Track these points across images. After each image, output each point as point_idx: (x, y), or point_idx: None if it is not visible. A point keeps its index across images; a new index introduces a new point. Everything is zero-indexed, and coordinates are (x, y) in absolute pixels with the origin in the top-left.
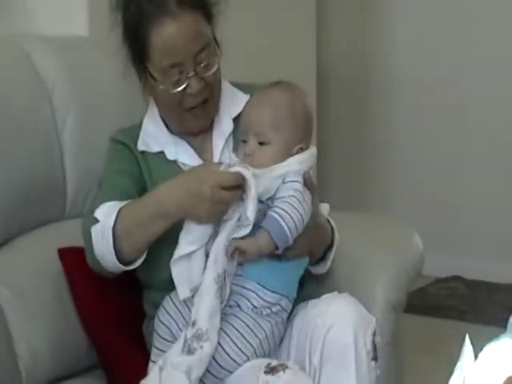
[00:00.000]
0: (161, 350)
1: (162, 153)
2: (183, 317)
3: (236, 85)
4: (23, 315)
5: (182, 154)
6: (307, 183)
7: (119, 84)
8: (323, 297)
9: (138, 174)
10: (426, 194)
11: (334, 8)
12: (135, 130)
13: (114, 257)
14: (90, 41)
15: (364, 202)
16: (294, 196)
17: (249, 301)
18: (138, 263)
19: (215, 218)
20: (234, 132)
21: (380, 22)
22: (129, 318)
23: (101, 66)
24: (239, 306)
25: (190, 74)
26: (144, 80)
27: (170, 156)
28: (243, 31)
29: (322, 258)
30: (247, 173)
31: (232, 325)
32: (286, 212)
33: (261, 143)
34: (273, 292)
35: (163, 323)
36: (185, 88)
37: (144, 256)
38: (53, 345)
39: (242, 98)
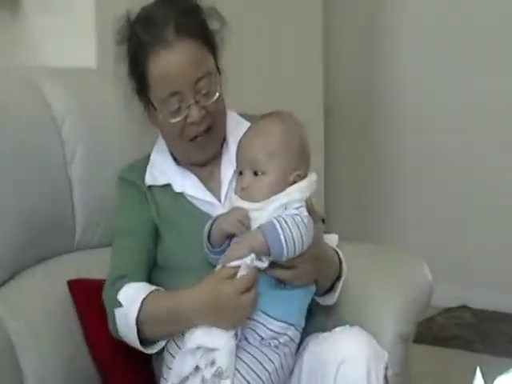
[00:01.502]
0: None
1: (169, 185)
2: None
3: (244, 116)
4: (33, 349)
5: (189, 185)
6: (309, 210)
7: (128, 118)
8: (335, 330)
9: (147, 213)
10: (434, 224)
11: (341, 37)
12: (143, 164)
13: (138, 343)
14: (98, 73)
15: (372, 231)
16: (297, 215)
17: (256, 332)
18: (158, 348)
19: (243, 321)
20: None
21: (388, 50)
22: (139, 351)
23: (110, 100)
24: (246, 339)
25: (190, 103)
26: (148, 110)
27: (177, 188)
28: (249, 59)
29: (330, 289)
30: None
31: (241, 359)
32: (286, 222)
33: (256, 174)
34: (279, 321)
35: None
36: (186, 117)
37: (165, 342)
38: (62, 379)
39: (246, 127)
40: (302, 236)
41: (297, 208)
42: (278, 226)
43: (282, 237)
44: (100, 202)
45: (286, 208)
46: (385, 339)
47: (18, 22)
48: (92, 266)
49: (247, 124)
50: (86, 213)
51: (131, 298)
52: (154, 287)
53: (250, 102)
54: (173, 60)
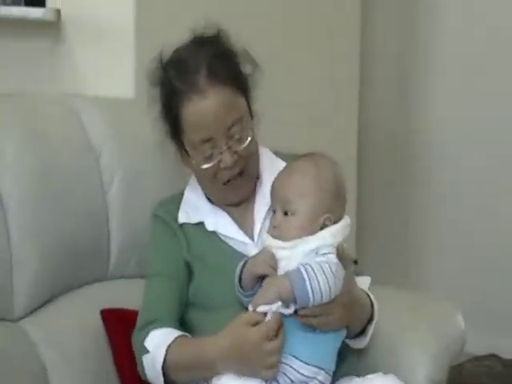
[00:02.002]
0: None
1: (202, 223)
2: None
3: (278, 154)
4: (66, 376)
5: (222, 224)
6: (341, 256)
7: (165, 147)
8: (368, 377)
9: (179, 253)
10: (466, 270)
11: (376, 74)
12: (177, 201)
13: None
14: (136, 103)
15: (404, 276)
16: (326, 263)
17: (285, 375)
18: None
19: (275, 369)
20: None
21: (421, 87)
22: None
23: (147, 129)
24: (277, 381)
25: (223, 149)
26: (180, 153)
27: (210, 227)
28: (284, 97)
29: (362, 333)
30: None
31: None
32: (314, 271)
33: (286, 213)
34: (308, 364)
35: None
36: (219, 162)
37: None
38: None
39: (282, 166)
40: (329, 284)
41: (326, 254)
42: (304, 274)
43: (308, 285)
44: (135, 232)
45: (316, 253)
46: None
47: (59, 49)
48: (125, 295)
49: (281, 162)
50: (121, 242)
51: (157, 345)
52: (180, 333)
53: (283, 141)
54: (205, 107)
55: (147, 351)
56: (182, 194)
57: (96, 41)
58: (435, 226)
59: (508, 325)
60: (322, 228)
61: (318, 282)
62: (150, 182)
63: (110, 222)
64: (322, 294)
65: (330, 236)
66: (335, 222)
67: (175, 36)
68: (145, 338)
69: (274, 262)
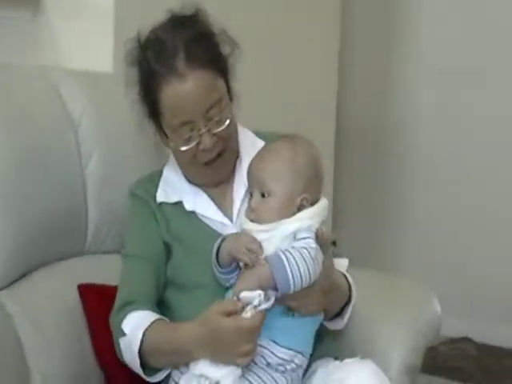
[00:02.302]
0: None
1: (180, 203)
2: None
3: (258, 133)
4: (41, 348)
5: (200, 204)
6: (320, 240)
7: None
8: (345, 361)
9: (157, 234)
10: (440, 255)
11: (357, 61)
12: (155, 180)
13: (141, 372)
14: (114, 77)
15: (379, 256)
16: (305, 248)
17: (263, 357)
18: (162, 377)
19: (250, 356)
20: None
21: (404, 77)
22: None
23: (125, 104)
24: (254, 362)
25: (202, 131)
26: (160, 135)
27: (188, 207)
28: (264, 78)
29: (339, 314)
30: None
31: (249, 380)
32: (294, 258)
33: (263, 195)
34: (286, 348)
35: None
36: (197, 144)
37: (169, 370)
38: (69, 379)
39: (260, 146)
40: (309, 270)
41: (304, 238)
42: (285, 261)
43: (288, 273)
44: (113, 207)
45: (295, 237)
46: (391, 369)
47: (39, 22)
48: (102, 270)
49: (261, 142)
50: (98, 216)
51: (134, 328)
52: (157, 316)
53: (262, 123)
54: (184, 91)
55: (124, 334)
56: (160, 172)
57: (75, 13)
58: (411, 211)
59: (482, 308)
60: (299, 209)
61: (299, 268)
62: (129, 157)
63: (88, 197)
64: (302, 279)
65: (308, 218)
66: (312, 203)
67: (155, 10)
68: (122, 320)
69: (257, 248)
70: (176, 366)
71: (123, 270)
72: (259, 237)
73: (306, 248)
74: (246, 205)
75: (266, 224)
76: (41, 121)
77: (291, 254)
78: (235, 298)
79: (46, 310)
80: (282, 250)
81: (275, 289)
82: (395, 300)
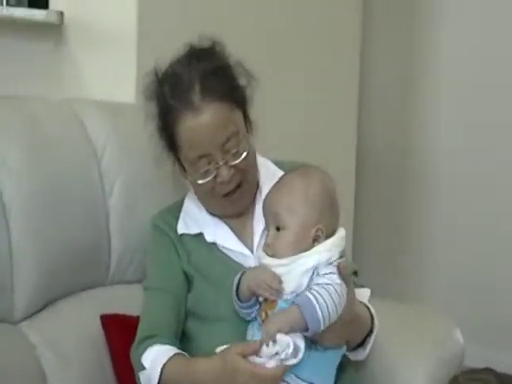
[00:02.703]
0: None
1: (201, 234)
2: None
3: (278, 162)
4: (64, 379)
5: (221, 236)
6: (342, 273)
7: (161, 162)
8: None
9: (178, 266)
10: (462, 284)
11: (376, 94)
12: (176, 210)
13: None
14: (137, 108)
15: (399, 287)
16: (330, 285)
17: None
18: None
19: None
20: None
21: (419, 98)
22: None
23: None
24: None
25: (219, 164)
26: (178, 167)
27: (209, 238)
28: (282, 109)
29: (361, 345)
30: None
31: None
32: (322, 297)
33: (278, 229)
34: (308, 382)
35: None
36: (215, 177)
37: None
38: None
39: (280, 175)
40: (336, 307)
41: (328, 274)
42: (314, 301)
43: (319, 313)
44: (135, 237)
45: (318, 273)
46: None
47: (61, 53)
48: (125, 300)
49: (281, 173)
50: (121, 246)
51: (153, 362)
52: (176, 351)
53: (281, 153)
54: (200, 124)
55: (144, 368)
56: (181, 203)
57: (98, 44)
58: (433, 240)
59: (504, 338)
60: (314, 240)
61: (327, 307)
62: (151, 188)
63: (111, 227)
64: (330, 317)
65: (326, 251)
66: (329, 234)
67: (177, 42)
68: (142, 354)
69: (277, 285)
70: None
71: (145, 302)
72: (278, 271)
73: (331, 284)
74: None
75: (284, 258)
76: (65, 152)
77: (318, 292)
78: (267, 340)
79: (69, 340)
80: (308, 290)
81: (305, 329)
82: (417, 331)
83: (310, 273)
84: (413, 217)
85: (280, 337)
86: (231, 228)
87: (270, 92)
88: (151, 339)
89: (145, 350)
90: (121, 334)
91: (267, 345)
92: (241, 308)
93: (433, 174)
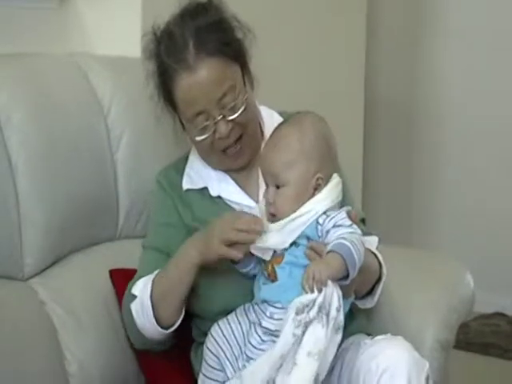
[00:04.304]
0: (208, 378)
1: (206, 189)
2: (231, 346)
3: (285, 114)
4: (75, 334)
5: (226, 189)
6: (353, 221)
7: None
8: (377, 338)
9: (177, 226)
10: (474, 231)
11: (384, 45)
12: (181, 166)
13: (155, 323)
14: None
15: (409, 234)
16: (354, 233)
17: None
18: (177, 325)
19: (227, 249)
20: None
21: (432, 55)
22: (177, 341)
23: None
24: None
25: (217, 119)
26: (178, 124)
27: (214, 192)
28: (288, 61)
29: (370, 293)
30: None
31: None
32: (356, 246)
33: (278, 187)
34: None
35: (211, 351)
36: (213, 132)
37: (181, 317)
38: (103, 365)
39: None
40: (361, 255)
41: (350, 226)
42: (353, 250)
43: (357, 261)
44: (143, 192)
45: (334, 220)
46: (424, 345)
47: (65, 11)
48: (133, 255)
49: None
50: (129, 201)
51: (143, 286)
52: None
53: (286, 104)
54: (195, 82)
55: (134, 297)
56: (187, 157)
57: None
58: (442, 187)
59: None
60: (315, 189)
61: (360, 253)
62: (158, 142)
63: (118, 181)
64: (361, 263)
65: (317, 203)
66: (329, 178)
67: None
68: (131, 288)
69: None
70: (183, 303)
71: (140, 260)
72: (305, 219)
73: (354, 233)
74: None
75: (286, 217)
76: (70, 107)
77: (352, 241)
78: (318, 285)
79: (79, 295)
80: (341, 238)
81: (344, 278)
82: (427, 276)
83: (306, 224)
84: (421, 165)
85: (329, 283)
86: (236, 181)
87: (275, 45)
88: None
89: (133, 284)
90: None
91: (312, 290)
92: (237, 268)
93: (441, 121)
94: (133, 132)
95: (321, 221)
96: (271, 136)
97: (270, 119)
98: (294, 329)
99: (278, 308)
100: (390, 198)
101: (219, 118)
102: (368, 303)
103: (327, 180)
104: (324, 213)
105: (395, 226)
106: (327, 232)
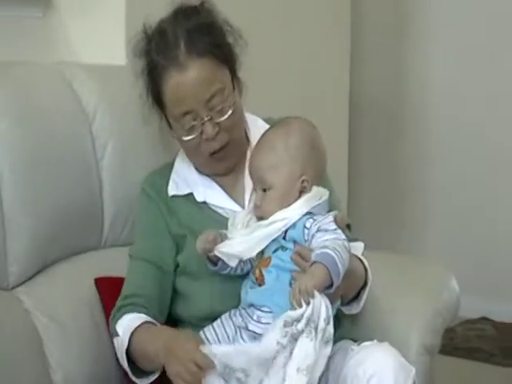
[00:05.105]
0: None
1: (191, 194)
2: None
3: (269, 120)
4: (60, 343)
5: (211, 194)
6: (339, 226)
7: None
8: (363, 345)
9: (164, 233)
10: (459, 236)
11: (369, 40)
12: (167, 172)
13: (130, 373)
14: (127, 70)
15: (394, 240)
16: (339, 240)
17: None
18: (150, 380)
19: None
20: None
21: (416, 55)
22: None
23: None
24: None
25: (204, 120)
26: (165, 125)
27: (199, 198)
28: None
29: (355, 298)
30: None
31: None
32: (340, 254)
33: (264, 190)
34: None
35: None
36: (200, 134)
37: (157, 374)
38: (88, 373)
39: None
40: (345, 262)
41: (334, 231)
42: (336, 259)
43: (341, 270)
44: (129, 199)
45: (317, 225)
46: (410, 350)
47: (50, 20)
48: (119, 263)
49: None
50: (114, 209)
51: (125, 329)
52: (147, 319)
53: (272, 107)
54: (184, 81)
55: (117, 334)
56: (172, 164)
57: (86, 9)
58: (428, 190)
59: (500, 288)
60: (301, 192)
61: (344, 261)
62: (143, 150)
63: (104, 190)
64: (344, 271)
65: (292, 211)
66: (316, 180)
67: (166, 3)
68: (117, 321)
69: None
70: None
71: (128, 270)
72: (276, 228)
73: (339, 239)
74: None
75: (267, 219)
76: (55, 116)
77: (336, 249)
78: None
79: (64, 304)
80: (325, 247)
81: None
82: (412, 281)
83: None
84: (407, 168)
85: (317, 294)
86: (221, 186)
87: (260, 48)
88: (127, 307)
89: (121, 316)
90: (115, 297)
91: (299, 305)
92: (215, 271)
93: (427, 122)
94: (118, 140)
95: (308, 225)
96: (259, 140)
97: (255, 125)
98: (279, 337)
99: (265, 312)
100: (376, 201)
101: (206, 119)
102: (354, 309)
103: (313, 182)
104: (311, 217)
105: (380, 230)
106: (312, 236)
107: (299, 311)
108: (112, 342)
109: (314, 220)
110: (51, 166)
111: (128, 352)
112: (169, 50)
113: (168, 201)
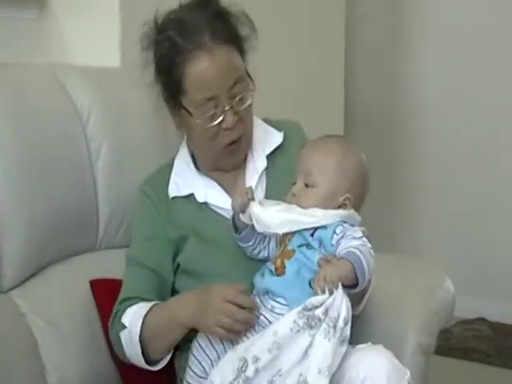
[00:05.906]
0: None
1: (192, 195)
2: (217, 353)
3: (267, 121)
4: (55, 345)
5: (212, 195)
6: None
7: (152, 115)
8: (358, 347)
9: (161, 238)
10: (454, 235)
11: (364, 44)
12: (166, 173)
13: (143, 361)
14: (122, 72)
15: (390, 240)
16: (365, 245)
17: None
18: (165, 363)
19: (221, 331)
20: (268, 169)
21: (411, 59)
22: None
23: (133, 97)
24: None
25: (226, 108)
26: (179, 116)
27: (200, 199)
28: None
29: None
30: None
31: None
32: (365, 254)
33: (307, 185)
34: None
35: (197, 359)
36: (220, 123)
37: (170, 355)
38: (83, 376)
39: (276, 136)
40: (372, 266)
41: (361, 238)
42: (364, 261)
43: (367, 273)
44: (123, 201)
45: (344, 227)
46: (405, 350)
47: (44, 22)
48: (114, 265)
49: (274, 132)
50: (109, 210)
51: (133, 318)
52: (154, 302)
53: (268, 111)
54: (211, 65)
55: (124, 327)
56: (171, 164)
57: (81, 10)
58: (422, 190)
59: (496, 288)
60: (339, 207)
61: (370, 265)
62: (138, 151)
63: (98, 192)
64: (370, 275)
65: (325, 215)
66: (354, 206)
67: (161, 6)
68: (121, 315)
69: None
70: (173, 345)
71: (126, 274)
72: (309, 220)
73: (365, 245)
74: (258, 192)
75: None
76: (49, 117)
77: (363, 252)
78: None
79: (59, 306)
80: (352, 247)
81: (352, 286)
82: (408, 281)
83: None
84: (403, 170)
85: (340, 289)
86: (222, 186)
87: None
88: (128, 301)
89: (124, 311)
90: (111, 299)
91: (323, 291)
92: (238, 240)
93: (422, 124)
94: (112, 141)
95: (338, 231)
96: (316, 141)
97: (256, 125)
98: (296, 317)
99: (280, 304)
100: (371, 202)
101: (228, 107)
102: (354, 311)
103: (353, 206)
104: (342, 224)
105: (376, 231)
106: (339, 243)
107: (320, 297)
108: (108, 344)
109: (344, 227)
110: (45, 168)
111: (140, 343)
112: (193, 34)
113: (168, 202)
